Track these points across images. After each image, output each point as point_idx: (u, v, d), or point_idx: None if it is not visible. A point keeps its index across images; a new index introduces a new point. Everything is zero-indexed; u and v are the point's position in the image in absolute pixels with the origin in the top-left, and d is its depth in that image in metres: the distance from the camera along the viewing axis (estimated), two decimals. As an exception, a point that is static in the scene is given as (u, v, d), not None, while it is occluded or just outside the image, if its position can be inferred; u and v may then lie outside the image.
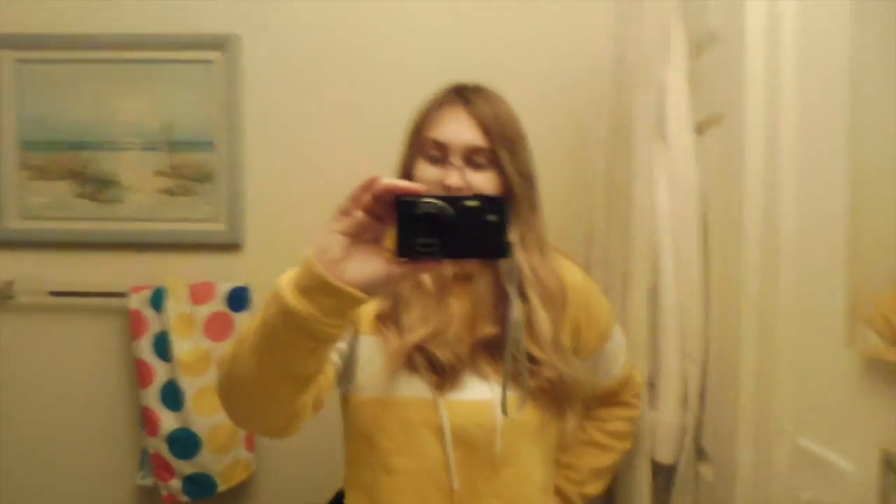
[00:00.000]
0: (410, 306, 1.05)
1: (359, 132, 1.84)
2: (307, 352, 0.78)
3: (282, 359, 0.79)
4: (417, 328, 1.04)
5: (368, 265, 0.76)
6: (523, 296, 1.07)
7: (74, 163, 1.85)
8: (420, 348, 1.04)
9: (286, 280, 0.76)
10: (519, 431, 1.06)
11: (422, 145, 1.09)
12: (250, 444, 1.85)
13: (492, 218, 0.77)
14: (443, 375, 1.03)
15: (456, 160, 1.05)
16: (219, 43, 1.82)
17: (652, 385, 1.36)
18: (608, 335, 1.22)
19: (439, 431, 1.03)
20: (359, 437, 1.09)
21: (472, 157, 1.06)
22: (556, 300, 1.10)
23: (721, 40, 1.24)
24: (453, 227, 0.75)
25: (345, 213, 0.76)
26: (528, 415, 1.06)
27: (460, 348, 1.06)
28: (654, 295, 1.35)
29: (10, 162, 1.85)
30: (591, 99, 1.56)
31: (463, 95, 1.10)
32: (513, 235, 1.07)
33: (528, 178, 1.10)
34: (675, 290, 1.33)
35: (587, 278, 1.22)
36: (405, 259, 0.76)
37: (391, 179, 0.75)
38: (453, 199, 0.76)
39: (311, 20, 1.84)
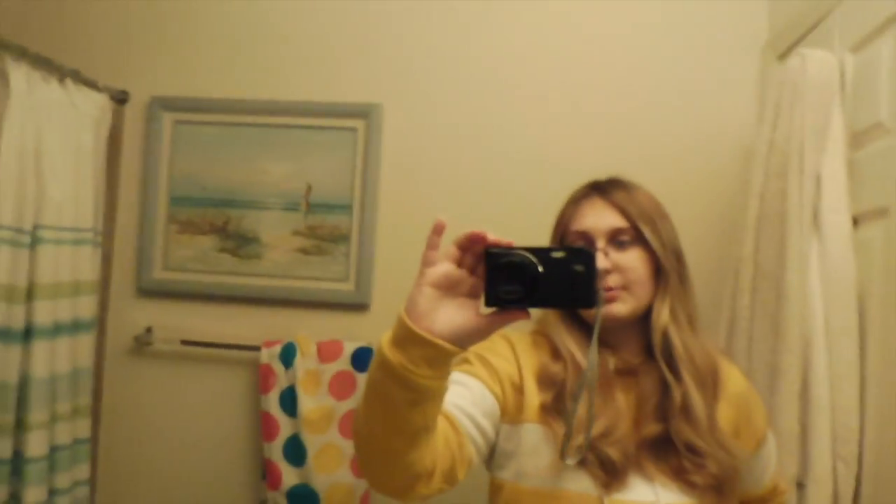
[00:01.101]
0: (578, 400, 1.03)
1: (488, 201, 1.88)
2: (408, 403, 0.80)
3: (385, 411, 0.82)
4: (588, 424, 1.00)
5: (458, 317, 0.79)
6: (676, 374, 1.05)
7: (219, 219, 1.95)
8: (591, 444, 1.01)
9: (386, 334, 0.81)
10: None
11: (566, 238, 1.12)
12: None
13: (578, 268, 0.80)
14: (611, 474, 1.01)
15: (600, 244, 1.07)
16: (363, 111, 1.91)
17: (801, 485, 1.29)
18: (765, 439, 1.16)
19: None
20: None
21: (615, 238, 1.08)
22: (709, 380, 1.07)
23: (890, 132, 1.20)
24: (540, 277, 0.78)
25: (426, 263, 0.80)
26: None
27: (628, 446, 1.03)
28: (804, 392, 1.29)
29: (160, 216, 1.98)
30: (740, 183, 1.54)
31: (598, 188, 1.13)
32: (662, 308, 1.07)
33: (675, 252, 1.10)
34: (827, 389, 1.27)
35: (747, 380, 1.18)
36: (493, 308, 0.79)
37: (477, 231, 0.79)
38: (540, 251, 0.79)
39: (448, 90, 1.92)
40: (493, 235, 0.80)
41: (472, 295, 0.81)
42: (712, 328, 1.51)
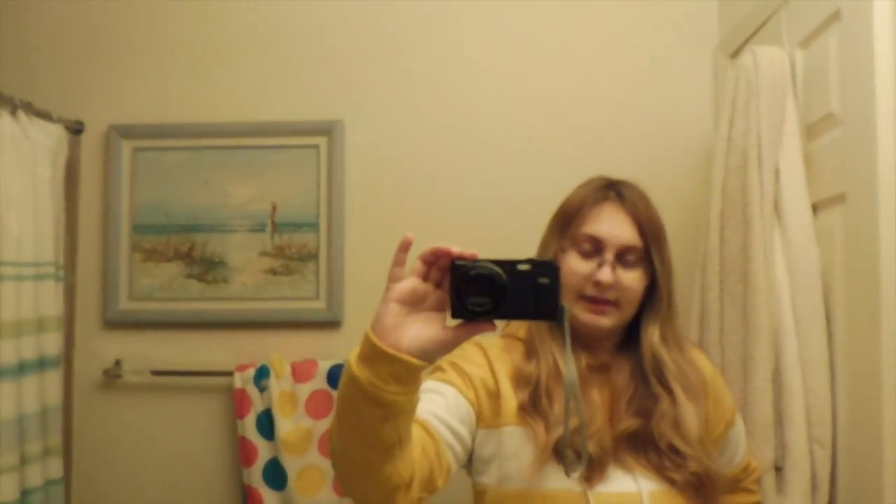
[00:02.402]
0: (553, 398, 1.06)
1: (453, 214, 1.89)
2: (379, 419, 0.81)
3: (357, 427, 0.83)
4: (564, 420, 1.02)
5: (424, 331, 0.80)
6: (668, 390, 1.08)
7: (183, 245, 1.93)
8: (569, 441, 1.02)
9: (354, 351, 0.82)
10: None
11: (575, 238, 1.12)
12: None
13: (543, 281, 0.81)
14: (591, 468, 1.03)
15: (609, 256, 1.08)
16: (325, 129, 1.91)
17: (779, 469, 1.32)
18: (733, 422, 1.21)
19: None
20: None
21: (624, 255, 1.09)
22: (699, 393, 1.10)
23: (841, 122, 1.25)
24: (506, 290, 0.80)
25: (392, 279, 0.81)
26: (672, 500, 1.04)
27: (605, 440, 1.05)
28: (777, 378, 1.33)
29: (123, 245, 1.94)
30: (702, 180, 1.58)
31: (619, 192, 1.14)
32: (653, 331, 1.10)
33: (670, 276, 1.13)
34: (799, 373, 1.30)
35: (714, 367, 1.23)
36: (459, 321, 0.81)
37: (448, 246, 0.80)
38: (506, 263, 0.81)
39: (409, 104, 1.93)
40: (458, 249, 0.81)
41: (438, 308, 0.82)
42: (684, 322, 1.55)
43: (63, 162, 1.86)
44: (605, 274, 1.06)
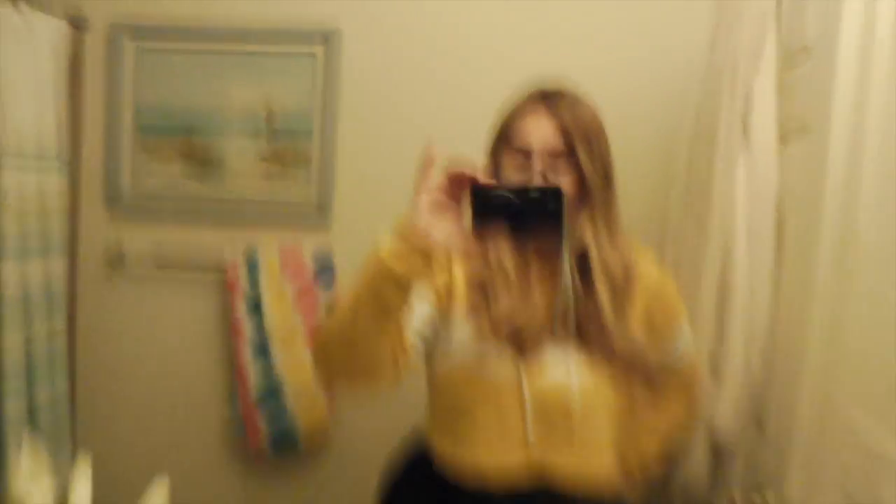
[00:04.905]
0: (499, 297, 1.17)
1: (446, 125, 1.94)
2: (400, 300, 1.00)
3: (376, 298, 0.99)
4: (506, 317, 1.16)
5: (447, 236, 0.96)
6: (590, 283, 1.18)
7: (184, 145, 2.00)
8: (508, 334, 1.16)
9: (383, 248, 0.97)
10: (593, 407, 1.18)
11: (508, 151, 1.19)
12: (331, 407, 2.00)
13: (550, 206, 0.97)
14: (525, 349, 1.16)
15: (538, 163, 1.15)
16: (322, 37, 1.94)
17: (717, 366, 1.45)
18: (678, 325, 1.31)
19: (520, 397, 1.16)
20: (448, 408, 1.22)
21: (554, 160, 1.15)
22: (621, 287, 1.19)
23: (814, 54, 1.29)
24: (518, 213, 0.96)
25: (420, 189, 0.96)
26: (603, 393, 1.19)
27: (543, 335, 1.17)
28: (723, 287, 1.43)
29: (126, 143, 2.02)
30: (682, 101, 1.63)
31: (545, 101, 1.18)
32: (584, 226, 1.17)
33: (604, 176, 1.18)
34: (745, 285, 1.41)
35: (662, 270, 1.31)
36: (479, 237, 0.97)
37: (472, 170, 0.96)
38: (519, 191, 0.97)
39: (407, 17, 1.96)
40: (482, 176, 0.96)
41: (457, 217, 0.97)
42: (650, 235, 1.64)
43: (66, 57, 1.91)
44: (536, 181, 1.13)
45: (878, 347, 1.04)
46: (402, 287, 0.97)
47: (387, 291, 0.98)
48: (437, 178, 0.96)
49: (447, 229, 0.96)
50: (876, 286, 1.08)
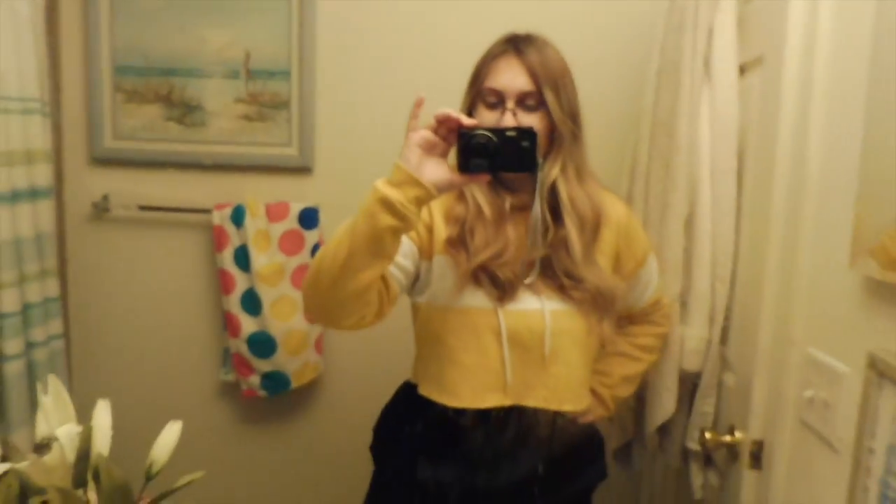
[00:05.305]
0: (475, 233, 1.24)
1: (425, 67, 1.97)
2: (392, 233, 1.05)
3: (373, 235, 1.05)
4: (482, 251, 1.23)
5: (437, 172, 1.07)
6: (560, 220, 1.25)
7: (163, 88, 2.03)
8: (484, 267, 1.23)
9: (380, 182, 1.06)
10: (564, 335, 1.26)
11: (481, 93, 1.26)
12: (319, 348, 2.07)
13: (525, 144, 1.09)
14: (502, 290, 1.24)
15: (510, 104, 1.22)
16: (296, -24, 1.94)
17: (684, 302, 1.51)
18: (644, 262, 1.39)
19: (498, 335, 1.24)
20: (431, 337, 1.30)
21: (523, 101, 1.23)
22: (589, 225, 1.27)
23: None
24: (497, 151, 1.07)
25: (411, 129, 1.06)
26: (572, 321, 1.26)
27: (516, 267, 1.25)
28: (689, 224, 1.48)
29: (105, 86, 2.04)
30: (646, 39, 1.66)
31: (515, 45, 1.25)
32: (553, 165, 1.25)
33: (571, 116, 1.25)
34: (709, 219, 1.46)
35: (628, 211, 1.39)
36: (463, 173, 1.08)
37: (457, 115, 1.07)
38: (498, 131, 1.08)
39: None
40: (466, 119, 1.07)
41: (445, 156, 1.09)
42: (616, 174, 1.70)
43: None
44: (508, 120, 1.20)
45: (826, 276, 1.09)
46: (396, 216, 1.03)
47: (381, 219, 1.03)
48: (426, 120, 1.06)
49: (436, 165, 1.06)
50: (823, 217, 1.12)
